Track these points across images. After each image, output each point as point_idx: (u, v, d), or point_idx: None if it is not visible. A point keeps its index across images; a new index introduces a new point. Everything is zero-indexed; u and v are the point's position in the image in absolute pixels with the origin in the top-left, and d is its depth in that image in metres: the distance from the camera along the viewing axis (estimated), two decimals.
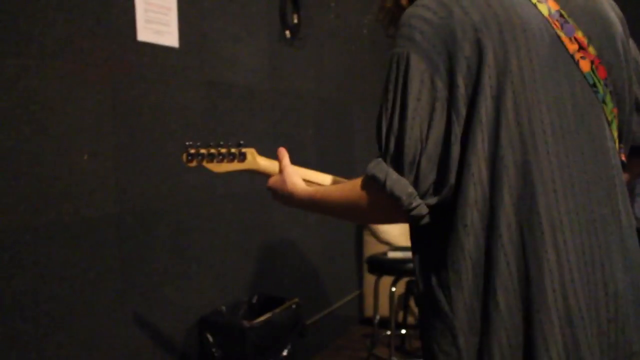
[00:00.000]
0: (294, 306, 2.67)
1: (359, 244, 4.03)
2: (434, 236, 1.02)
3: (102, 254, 2.09)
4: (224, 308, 2.59)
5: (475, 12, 0.96)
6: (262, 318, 2.47)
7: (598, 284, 0.97)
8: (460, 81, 0.95)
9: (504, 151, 0.95)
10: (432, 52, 0.96)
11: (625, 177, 1.16)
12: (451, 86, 0.96)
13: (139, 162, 2.25)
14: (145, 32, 2.24)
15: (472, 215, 0.96)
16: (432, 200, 0.97)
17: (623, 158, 1.12)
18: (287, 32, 3.12)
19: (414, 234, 1.09)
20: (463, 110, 0.96)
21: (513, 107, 0.95)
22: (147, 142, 2.29)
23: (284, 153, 1.33)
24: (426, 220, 0.99)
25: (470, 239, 0.97)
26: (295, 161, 1.33)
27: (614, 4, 1.13)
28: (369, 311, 3.95)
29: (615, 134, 1.08)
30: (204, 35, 2.57)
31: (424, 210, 0.97)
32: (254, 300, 2.74)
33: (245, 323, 2.39)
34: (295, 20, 3.17)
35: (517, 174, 0.95)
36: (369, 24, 4.02)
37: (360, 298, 4.04)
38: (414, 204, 0.96)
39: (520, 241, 0.95)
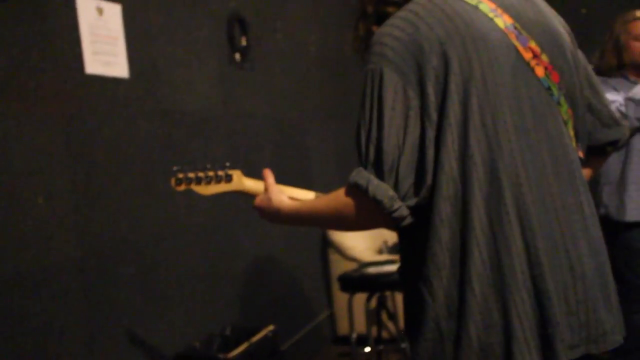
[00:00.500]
0: (270, 334, 2.59)
1: (325, 263, 3.98)
2: (416, 235, 1.08)
3: (66, 302, 1.97)
4: (197, 344, 2.49)
5: (439, 28, 1.05)
6: (239, 350, 2.39)
7: (564, 267, 1.06)
8: (430, 89, 1.03)
9: (472, 150, 1.03)
10: (403, 66, 1.04)
11: (587, 172, 1.29)
12: (422, 94, 1.04)
13: (97, 200, 2.14)
14: (94, 65, 2.14)
15: (446, 209, 1.04)
16: (412, 201, 1.04)
17: (581, 155, 1.22)
18: (237, 55, 3.07)
19: (399, 236, 1.15)
20: (434, 116, 1.04)
21: (478, 110, 1.04)
22: (104, 178, 2.18)
23: (268, 173, 1.37)
24: (409, 221, 1.06)
25: (446, 232, 1.04)
26: None
27: (561, 18, 1.24)
28: (341, 330, 3.89)
29: (572, 133, 1.18)
30: (153, 63, 2.49)
31: (405, 211, 1.04)
32: (228, 332, 2.65)
33: (221, 357, 2.30)
34: (244, 43, 3.12)
35: (485, 171, 1.03)
36: (316, 41, 4.02)
37: (332, 317, 3.98)
38: (395, 206, 1.03)
39: (491, 232, 1.03)
